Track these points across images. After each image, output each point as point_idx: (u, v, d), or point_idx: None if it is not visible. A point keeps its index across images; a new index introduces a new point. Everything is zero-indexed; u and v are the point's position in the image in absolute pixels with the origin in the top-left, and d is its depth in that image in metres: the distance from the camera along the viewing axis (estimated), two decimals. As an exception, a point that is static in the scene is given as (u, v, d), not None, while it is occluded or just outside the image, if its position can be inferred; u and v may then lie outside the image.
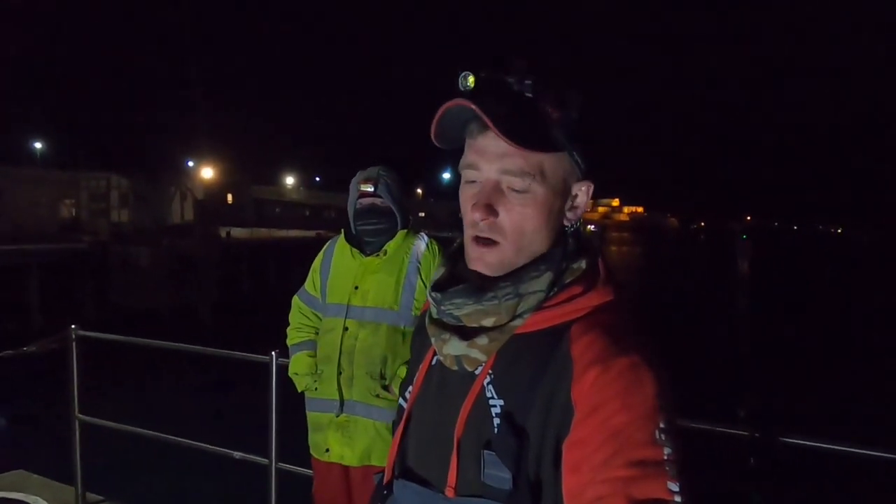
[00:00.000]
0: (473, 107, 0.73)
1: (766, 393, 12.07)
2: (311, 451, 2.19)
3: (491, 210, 0.77)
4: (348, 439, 2.07)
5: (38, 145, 42.89)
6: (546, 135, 0.75)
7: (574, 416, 0.69)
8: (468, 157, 0.79)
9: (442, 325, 0.80)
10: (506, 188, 0.77)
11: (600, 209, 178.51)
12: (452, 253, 0.88)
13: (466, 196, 0.80)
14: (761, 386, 12.99)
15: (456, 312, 0.78)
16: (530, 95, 0.76)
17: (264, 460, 2.70)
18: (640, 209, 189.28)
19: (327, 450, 2.11)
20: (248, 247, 27.38)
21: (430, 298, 0.83)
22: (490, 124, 0.72)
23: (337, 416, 2.08)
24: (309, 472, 2.30)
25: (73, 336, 3.17)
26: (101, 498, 3.27)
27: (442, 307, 0.80)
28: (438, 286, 0.82)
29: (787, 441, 1.80)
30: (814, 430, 1.87)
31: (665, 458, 0.65)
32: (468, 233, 0.80)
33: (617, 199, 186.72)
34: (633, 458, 0.64)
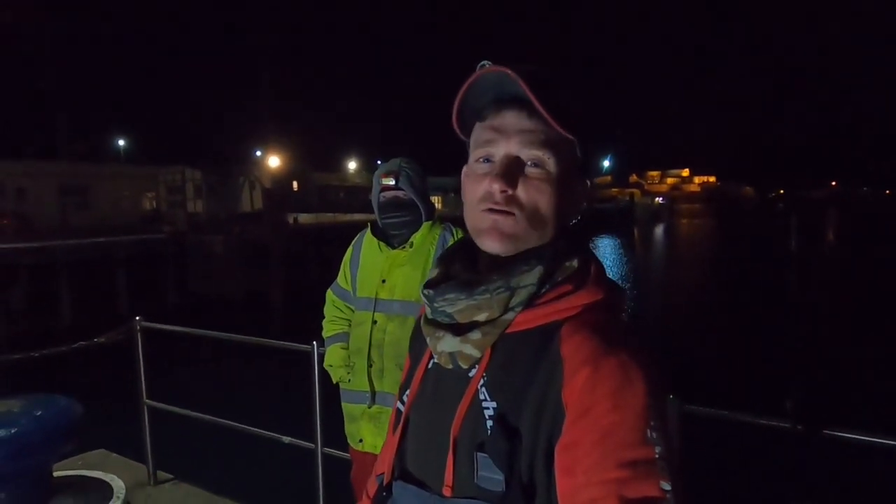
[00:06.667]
0: (509, 71, 0.73)
1: (828, 384, 11.20)
2: (348, 441, 2.27)
3: (511, 181, 0.76)
4: (380, 430, 2.12)
5: (121, 143, 45.63)
6: (568, 117, 0.75)
7: (565, 418, 0.69)
8: (483, 135, 0.79)
9: (436, 325, 0.81)
10: (524, 164, 0.77)
11: (669, 180, 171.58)
12: (447, 254, 0.88)
13: (479, 174, 0.78)
14: (822, 375, 12.04)
15: (449, 309, 0.79)
16: (551, 82, 0.76)
17: (310, 445, 2.81)
18: (712, 179, 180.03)
19: (361, 440, 2.17)
20: (314, 231, 28.15)
21: (423, 297, 0.83)
22: (525, 87, 0.72)
23: (369, 408, 2.14)
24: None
25: (138, 327, 3.40)
26: (170, 476, 3.49)
27: (435, 304, 0.80)
28: (431, 285, 0.83)
29: (833, 434, 1.68)
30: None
31: (657, 456, 0.65)
32: (478, 207, 0.77)
33: (687, 170, 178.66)
34: (625, 459, 0.64)
